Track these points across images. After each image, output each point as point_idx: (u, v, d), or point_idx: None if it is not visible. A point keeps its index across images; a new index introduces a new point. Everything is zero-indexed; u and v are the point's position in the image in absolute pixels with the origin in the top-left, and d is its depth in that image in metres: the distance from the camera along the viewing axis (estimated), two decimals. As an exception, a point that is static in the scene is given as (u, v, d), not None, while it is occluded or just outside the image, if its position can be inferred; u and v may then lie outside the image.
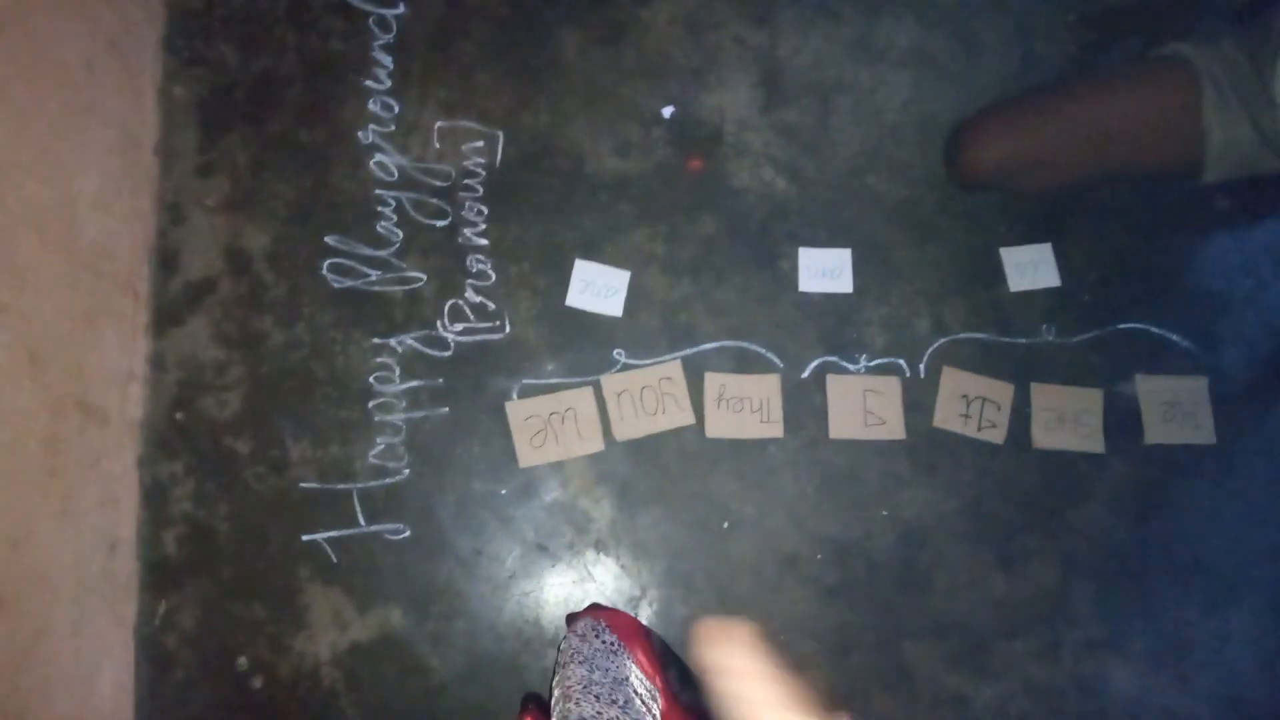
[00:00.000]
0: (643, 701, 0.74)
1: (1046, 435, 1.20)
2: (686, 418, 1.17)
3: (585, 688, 0.72)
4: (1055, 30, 1.33)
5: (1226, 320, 1.27)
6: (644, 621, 1.11)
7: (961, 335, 1.23)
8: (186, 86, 1.19)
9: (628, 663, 0.76)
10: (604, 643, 0.77)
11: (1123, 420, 1.22)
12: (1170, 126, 1.11)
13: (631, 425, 1.16)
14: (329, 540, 1.11)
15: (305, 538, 1.10)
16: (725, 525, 1.16)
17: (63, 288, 0.98)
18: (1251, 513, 1.23)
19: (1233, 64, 1.08)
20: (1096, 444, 1.20)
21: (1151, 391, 1.22)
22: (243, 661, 1.09)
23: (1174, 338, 1.25)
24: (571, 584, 1.14)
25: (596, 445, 1.15)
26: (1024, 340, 1.23)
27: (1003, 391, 1.20)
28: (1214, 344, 1.26)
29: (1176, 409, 1.22)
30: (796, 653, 1.14)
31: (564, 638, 0.79)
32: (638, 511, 1.15)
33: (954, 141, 1.21)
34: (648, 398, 1.17)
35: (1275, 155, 1.08)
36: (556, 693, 0.75)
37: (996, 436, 1.20)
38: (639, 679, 0.75)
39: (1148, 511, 1.21)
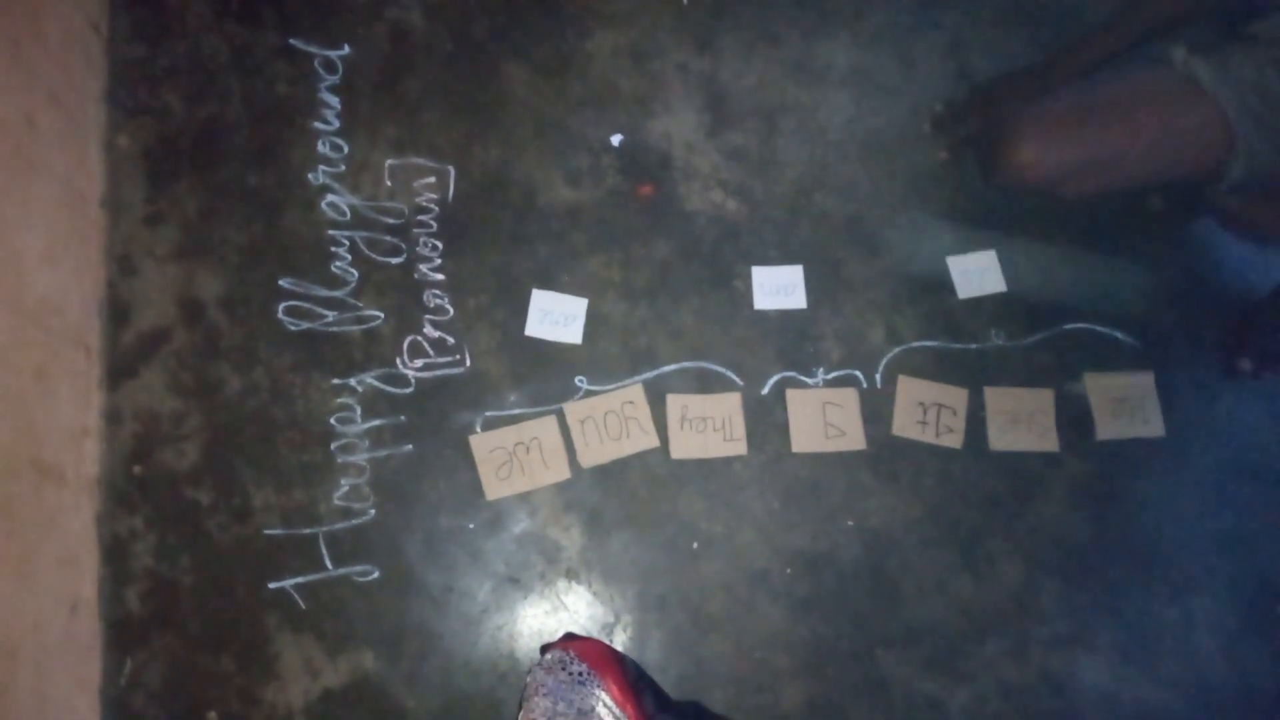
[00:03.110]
0: (613, 731, 0.74)
1: (1002, 437, 1.23)
2: (651, 441, 1.18)
3: (551, 720, 0.72)
4: (987, 45, 1.37)
5: (1168, 315, 1.32)
6: (619, 647, 1.12)
7: (915, 344, 1.25)
8: (131, 137, 1.19)
9: (597, 692, 0.76)
10: (570, 674, 0.78)
11: (1075, 419, 1.25)
12: (1205, 138, 1.13)
13: (597, 451, 1.17)
14: (296, 586, 1.09)
15: (272, 585, 1.09)
16: (695, 545, 1.17)
17: (11, 346, 0.97)
18: (1204, 501, 1.27)
19: (1249, 73, 1.11)
20: (1051, 443, 1.24)
21: (1100, 389, 1.26)
22: (213, 716, 1.07)
23: (1119, 335, 1.29)
24: (545, 615, 1.13)
25: (563, 473, 1.16)
26: (975, 346, 1.26)
27: (958, 397, 1.23)
28: (1158, 339, 1.30)
29: (1125, 405, 1.25)
30: (772, 668, 1.15)
31: (529, 671, 0.80)
32: (608, 537, 1.16)
33: (1002, 141, 1.16)
34: (611, 423, 1.18)
35: None
36: (523, 727, 0.75)
37: (954, 441, 1.22)
38: (608, 708, 0.76)
39: (1105, 506, 1.24)
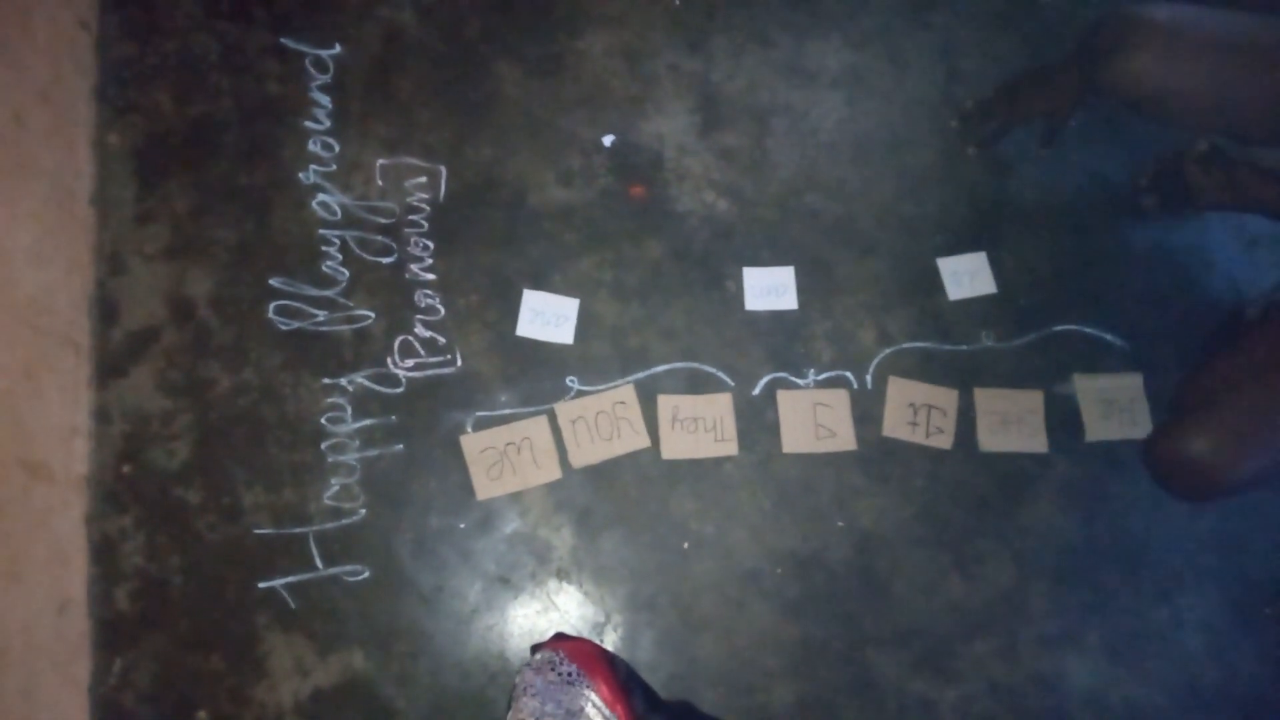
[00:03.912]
0: (602, 730, 0.75)
1: (992, 438, 1.23)
2: (642, 441, 1.18)
3: (539, 720, 0.72)
4: (978, 47, 1.38)
5: (1157, 318, 1.32)
6: (610, 648, 1.12)
7: (905, 345, 1.26)
8: (121, 135, 1.18)
9: (586, 693, 0.76)
10: (559, 674, 0.78)
11: (1064, 420, 1.26)
12: None
13: (588, 451, 1.17)
14: (286, 586, 1.09)
15: (262, 585, 1.09)
16: (686, 545, 1.17)
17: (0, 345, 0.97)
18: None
19: None
20: (1040, 444, 1.24)
21: (1089, 390, 1.26)
22: (203, 716, 1.07)
23: (1108, 337, 1.30)
24: (535, 614, 1.13)
25: (554, 473, 1.16)
26: (965, 347, 1.27)
27: (948, 398, 1.23)
28: (1147, 341, 1.31)
29: (1114, 406, 1.26)
30: (763, 668, 1.15)
31: (519, 671, 0.80)
32: (598, 537, 1.16)
33: (1119, 47, 1.03)
34: (602, 423, 1.18)
35: None
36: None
37: (944, 442, 1.23)
38: (597, 708, 0.76)
39: (1094, 507, 1.25)
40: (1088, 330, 1.30)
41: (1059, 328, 1.29)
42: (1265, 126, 1.05)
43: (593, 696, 0.77)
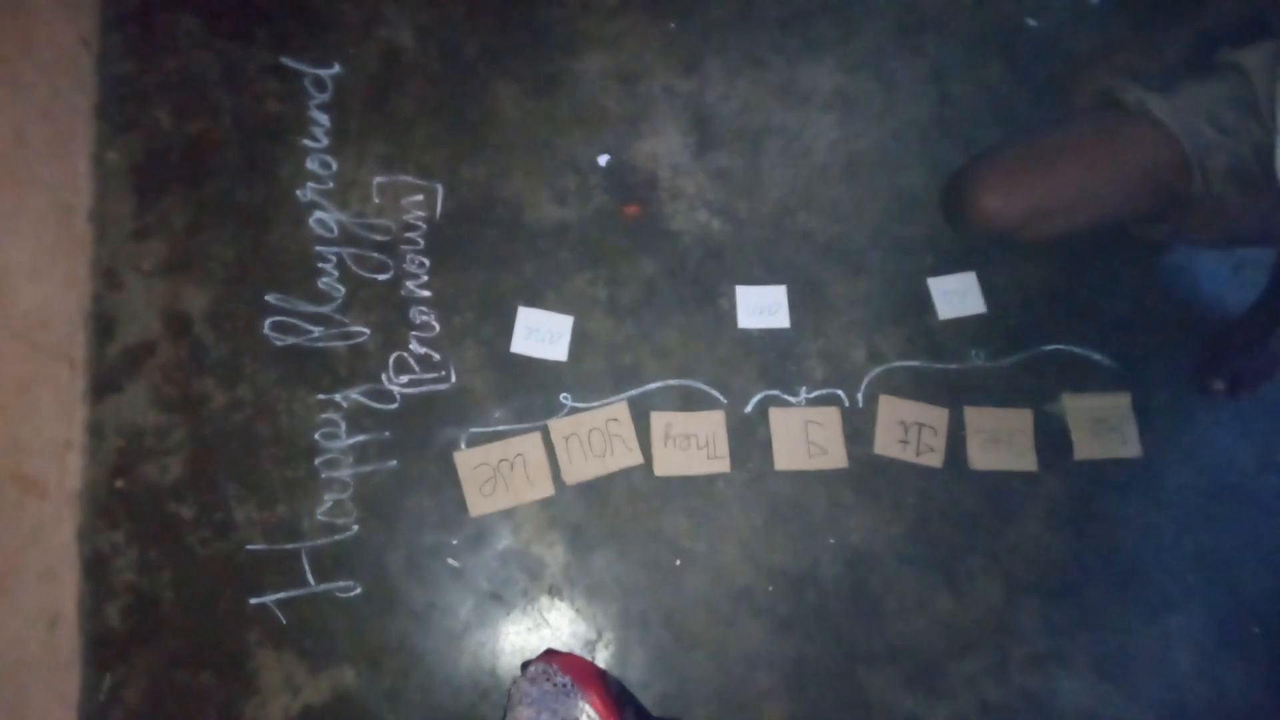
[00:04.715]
0: (595, 745, 0.75)
1: (982, 456, 1.24)
2: (635, 458, 1.19)
3: (534, 733, 0.72)
4: (968, 71, 1.40)
5: (1145, 337, 1.34)
6: (601, 665, 1.12)
7: (896, 364, 1.27)
8: (120, 152, 1.19)
9: (580, 703, 0.76)
10: (555, 685, 0.78)
11: (1053, 439, 1.27)
12: (1159, 168, 1.14)
13: (581, 468, 1.18)
14: (278, 602, 1.09)
15: (253, 601, 1.09)
16: (678, 563, 1.18)
17: (-5, 360, 0.97)
18: (1181, 521, 1.28)
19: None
20: (1030, 463, 1.25)
21: (1078, 409, 1.27)
22: (192, 732, 1.07)
23: (1096, 357, 1.31)
24: (527, 631, 1.14)
25: (547, 490, 1.16)
26: (955, 366, 1.28)
27: (938, 416, 1.24)
28: (1135, 361, 1.32)
29: (1103, 425, 1.27)
30: (754, 686, 1.15)
31: (514, 681, 0.80)
32: (591, 554, 1.16)
33: (964, 190, 1.20)
34: (595, 440, 1.19)
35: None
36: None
37: (935, 460, 1.24)
38: (591, 719, 0.76)
39: (1083, 525, 1.26)
40: (1076, 350, 1.31)
41: (1048, 347, 1.30)
42: (1105, 211, 1.18)
43: (586, 708, 0.78)
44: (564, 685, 0.79)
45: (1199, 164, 1.12)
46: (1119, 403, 1.29)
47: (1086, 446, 1.27)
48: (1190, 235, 1.22)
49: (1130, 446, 1.28)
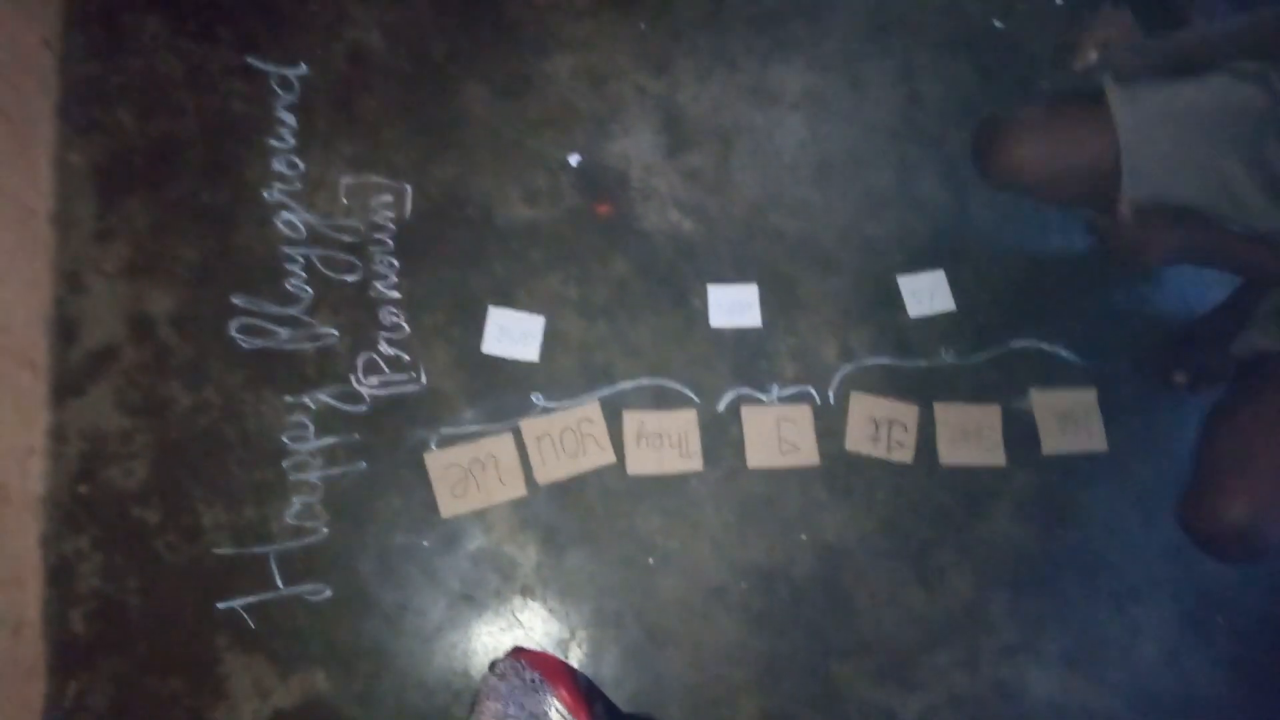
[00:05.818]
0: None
1: (952, 452, 1.26)
2: (607, 457, 1.19)
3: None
4: (936, 70, 1.42)
5: (1111, 334, 1.36)
6: (575, 663, 1.12)
7: (867, 361, 1.28)
8: (83, 153, 1.18)
9: (548, 698, 0.77)
10: (523, 680, 0.78)
11: (1021, 433, 1.29)
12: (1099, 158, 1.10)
13: (553, 468, 1.17)
14: (246, 606, 1.08)
15: (221, 605, 1.07)
16: (651, 561, 1.18)
17: (-48, 364, 0.95)
18: (1146, 513, 1.31)
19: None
20: (998, 457, 1.27)
21: (1045, 404, 1.29)
22: (160, 740, 1.05)
23: (1063, 353, 1.33)
24: (499, 632, 1.13)
25: (519, 490, 1.16)
26: (925, 363, 1.29)
27: (908, 413, 1.26)
28: (1100, 357, 1.34)
29: (1069, 419, 1.29)
30: (727, 682, 1.15)
31: (483, 677, 0.80)
32: (563, 554, 1.16)
33: (996, 137, 1.14)
34: (568, 439, 1.19)
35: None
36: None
37: (905, 456, 1.25)
38: (560, 713, 0.76)
39: (1051, 519, 1.28)
40: (1044, 346, 1.33)
41: (1016, 344, 1.32)
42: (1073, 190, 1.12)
43: (555, 702, 0.78)
44: (533, 681, 0.79)
45: (1128, 172, 1.08)
46: (1085, 398, 1.31)
47: (1054, 441, 1.28)
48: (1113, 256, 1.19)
49: (1096, 441, 1.30)
